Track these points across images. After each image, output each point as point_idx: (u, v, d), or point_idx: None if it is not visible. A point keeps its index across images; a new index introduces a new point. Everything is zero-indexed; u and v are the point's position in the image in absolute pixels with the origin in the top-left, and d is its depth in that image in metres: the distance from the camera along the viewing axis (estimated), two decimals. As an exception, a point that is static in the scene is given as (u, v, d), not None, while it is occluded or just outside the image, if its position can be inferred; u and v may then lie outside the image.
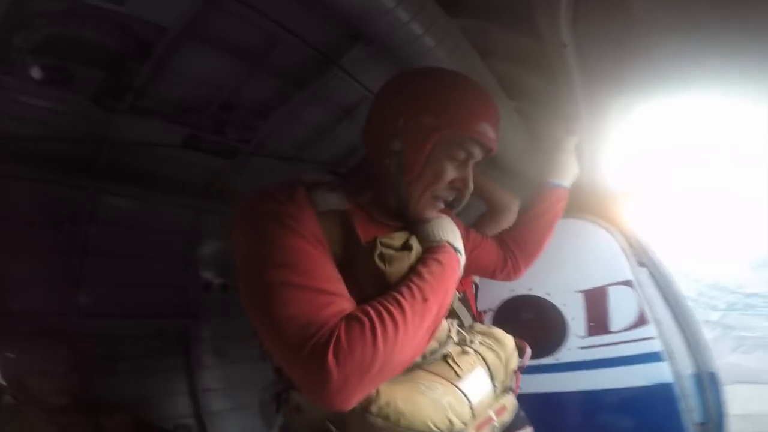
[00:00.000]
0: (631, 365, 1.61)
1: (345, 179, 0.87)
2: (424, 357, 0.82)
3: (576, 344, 1.73)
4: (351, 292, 0.68)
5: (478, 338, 0.95)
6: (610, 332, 1.64)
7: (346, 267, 0.72)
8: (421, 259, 0.76)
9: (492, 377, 0.90)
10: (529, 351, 1.02)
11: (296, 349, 0.57)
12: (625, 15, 0.82)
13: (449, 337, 0.87)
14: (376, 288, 0.70)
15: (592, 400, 1.70)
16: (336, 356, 0.56)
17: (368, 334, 0.59)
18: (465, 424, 0.79)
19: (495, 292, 1.94)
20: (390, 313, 0.63)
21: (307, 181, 0.77)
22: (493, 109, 0.83)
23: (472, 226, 1.17)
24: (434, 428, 0.73)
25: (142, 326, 2.62)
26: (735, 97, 0.82)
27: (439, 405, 0.75)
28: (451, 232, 0.85)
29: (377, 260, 0.72)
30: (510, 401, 0.97)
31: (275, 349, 0.63)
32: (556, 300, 1.76)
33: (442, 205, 0.86)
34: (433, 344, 0.83)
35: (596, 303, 1.64)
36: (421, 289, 0.69)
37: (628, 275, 1.56)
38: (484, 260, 1.13)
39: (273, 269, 0.62)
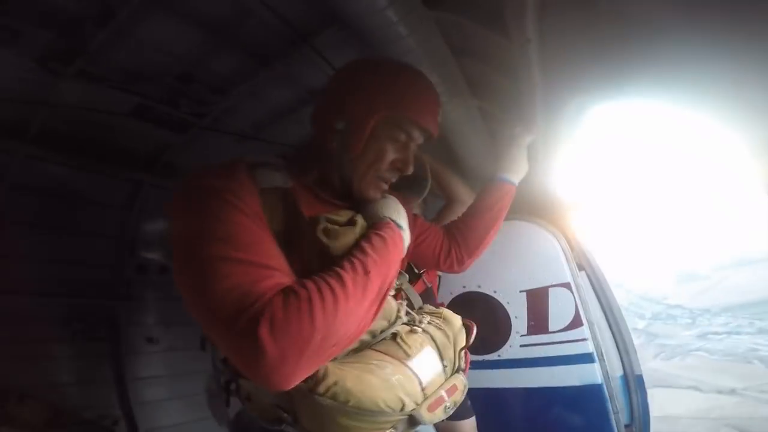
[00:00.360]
0: (566, 365, 1.68)
1: (291, 161, 0.87)
2: (373, 336, 0.82)
3: (518, 342, 1.79)
4: (296, 269, 0.66)
5: (426, 318, 0.96)
6: (549, 332, 1.71)
7: (290, 244, 0.71)
8: (365, 235, 0.76)
9: (441, 356, 0.91)
10: (475, 330, 1.03)
11: (229, 324, 0.55)
12: (591, 12, 0.85)
13: (398, 317, 0.88)
14: (320, 264, 0.69)
15: (530, 397, 1.77)
16: (271, 330, 0.54)
17: (305, 306, 0.57)
18: (417, 404, 0.79)
19: (447, 288, 1.99)
20: (329, 286, 0.61)
21: (250, 160, 0.77)
22: (434, 95, 0.88)
23: (433, 220, 1.19)
24: (386, 408, 0.72)
25: (59, 306, 2.37)
26: (688, 106, 0.85)
27: (389, 384, 0.75)
28: (395, 211, 0.86)
29: (320, 234, 0.72)
30: (460, 381, 0.97)
31: (209, 325, 0.60)
32: (501, 298, 1.82)
33: (385, 186, 0.88)
34: (382, 323, 0.84)
35: (537, 303, 1.71)
36: (363, 263, 0.69)
37: (568, 278, 1.62)
38: (430, 248, 1.15)
39: (211, 243, 0.60)
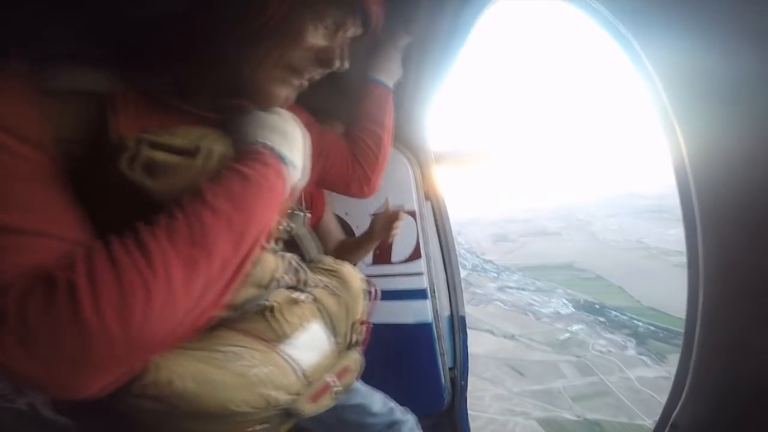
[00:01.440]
0: (403, 300, 1.72)
1: (129, 54, 0.58)
2: (235, 309, 0.63)
3: (363, 273, 1.79)
4: (102, 223, 0.46)
5: (319, 278, 0.79)
6: (391, 263, 1.73)
7: (93, 181, 0.49)
8: (219, 171, 0.52)
9: (333, 332, 0.77)
10: (376, 293, 0.90)
11: None
12: None
13: (276, 279, 0.69)
14: (133, 215, 0.45)
15: (371, 333, 1.80)
16: (20, 341, 0.37)
17: (64, 303, 0.38)
18: (297, 394, 0.68)
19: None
20: (117, 266, 0.40)
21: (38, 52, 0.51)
22: None
23: None
24: (244, 409, 0.60)
25: None
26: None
27: (246, 380, 0.61)
28: (279, 132, 0.62)
29: (125, 167, 0.47)
30: (354, 360, 0.84)
31: None
32: (352, 221, 1.76)
33: (297, 84, 0.63)
34: (250, 291, 0.65)
35: None
36: (199, 222, 0.46)
37: (415, 206, 1.63)
38: (336, 168, 0.99)
39: None
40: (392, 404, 1.25)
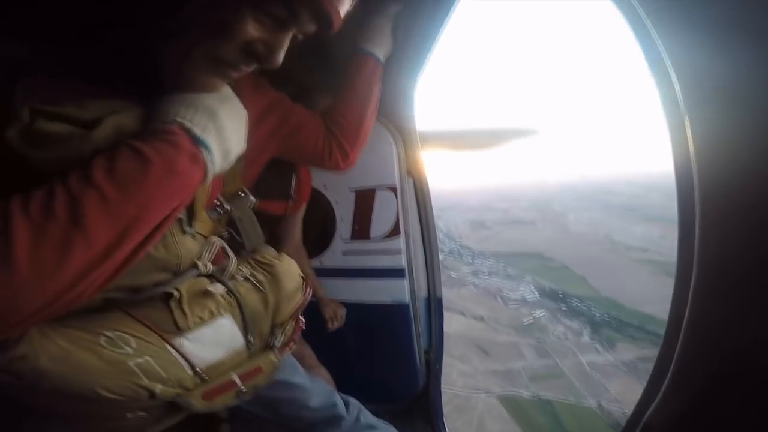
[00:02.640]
0: (380, 278, 1.67)
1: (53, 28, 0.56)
2: (135, 292, 0.60)
3: (340, 248, 1.73)
4: None
5: (248, 271, 0.73)
6: (370, 238, 1.67)
7: None
8: (112, 147, 0.48)
9: (246, 330, 0.71)
10: (309, 290, 0.83)
11: None
12: None
13: (195, 266, 0.65)
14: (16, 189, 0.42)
15: (346, 312, 1.73)
16: None
17: None
18: (187, 389, 0.65)
19: (272, 182, 1.76)
20: None
21: None
22: None
23: None
24: (108, 395, 0.56)
25: None
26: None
27: (121, 369, 0.57)
28: (205, 112, 0.55)
29: (13, 137, 0.45)
30: (269, 361, 0.77)
31: None
32: (331, 196, 1.70)
33: (233, 74, 0.57)
34: (154, 275, 0.62)
35: (364, 205, 1.64)
36: (79, 202, 0.42)
37: (396, 181, 1.57)
38: (311, 142, 0.97)
39: None
40: (337, 400, 1.24)
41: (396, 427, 1.36)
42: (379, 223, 1.64)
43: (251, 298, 0.71)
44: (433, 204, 1.69)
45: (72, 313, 0.56)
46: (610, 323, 31.92)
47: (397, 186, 1.57)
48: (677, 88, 0.59)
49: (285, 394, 1.09)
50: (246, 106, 0.65)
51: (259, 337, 0.74)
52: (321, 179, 1.68)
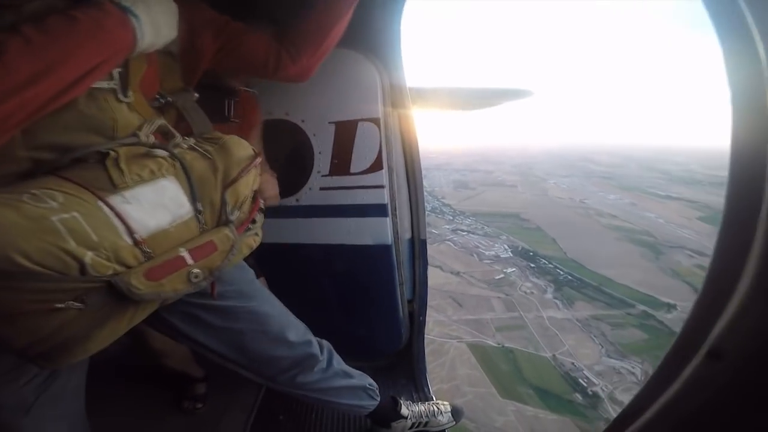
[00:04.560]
0: (361, 217, 1.53)
1: None
2: (63, 151, 0.57)
3: (318, 184, 1.60)
4: None
5: (190, 142, 0.70)
6: (350, 173, 1.54)
7: None
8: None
9: (194, 196, 0.64)
10: (258, 159, 0.75)
11: None
12: None
13: (134, 135, 0.64)
14: None
15: (322, 257, 1.61)
16: None
17: None
18: (124, 264, 0.54)
19: (251, 115, 1.60)
20: None
21: None
22: None
23: None
24: (27, 263, 0.46)
25: None
26: None
27: (40, 224, 0.48)
28: None
29: None
30: (223, 236, 0.68)
31: None
32: (308, 129, 1.56)
33: None
34: (84, 136, 0.60)
35: (344, 138, 1.52)
36: (4, 46, 0.48)
37: (379, 113, 1.45)
38: (251, 53, 0.91)
39: None
40: (311, 337, 1.08)
41: (375, 383, 1.25)
42: (360, 157, 1.51)
43: (198, 164, 0.66)
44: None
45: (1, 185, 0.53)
46: (572, 283, 33.62)
47: (381, 118, 1.45)
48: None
49: (257, 326, 0.94)
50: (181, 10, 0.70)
51: (210, 206, 0.67)
52: (300, 114, 1.54)
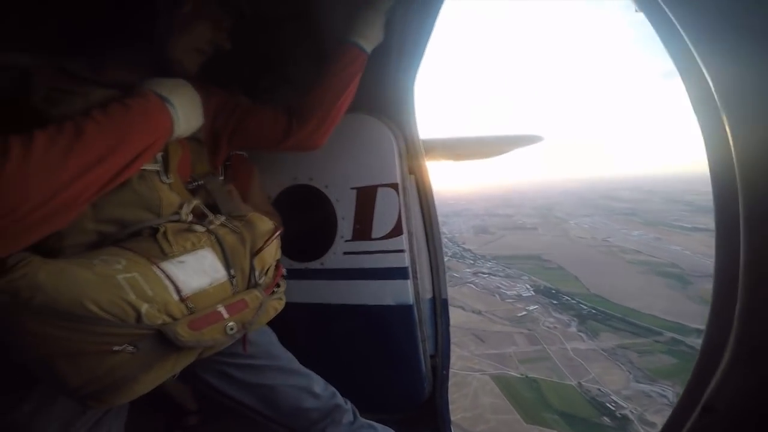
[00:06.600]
0: (382, 279, 1.54)
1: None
2: (123, 227, 0.70)
3: (341, 248, 1.61)
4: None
5: (220, 220, 0.81)
6: (371, 239, 1.55)
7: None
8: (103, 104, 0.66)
9: (228, 263, 0.75)
10: (278, 230, 0.87)
11: None
12: None
13: (177, 213, 0.75)
14: None
15: (347, 316, 1.61)
16: None
17: None
18: (172, 316, 0.63)
19: (277, 180, 1.67)
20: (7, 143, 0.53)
21: None
22: None
23: None
24: (100, 312, 0.55)
25: None
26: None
27: (111, 282, 0.58)
28: (166, 85, 0.75)
29: (37, 101, 0.65)
30: (254, 297, 0.78)
31: None
32: (332, 194, 1.58)
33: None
34: (138, 212, 0.71)
35: (365, 203, 1.53)
36: (77, 125, 0.60)
37: (397, 178, 1.46)
38: (263, 125, 1.00)
39: None
40: (335, 390, 1.13)
41: None
42: (381, 222, 1.52)
43: (229, 238, 0.77)
44: (438, 211, 1.56)
45: (72, 255, 0.64)
46: (596, 316, 32.51)
47: (399, 183, 1.46)
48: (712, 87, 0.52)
49: (286, 381, 1.01)
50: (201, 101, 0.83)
51: (240, 272, 0.77)
52: (323, 179, 1.58)
